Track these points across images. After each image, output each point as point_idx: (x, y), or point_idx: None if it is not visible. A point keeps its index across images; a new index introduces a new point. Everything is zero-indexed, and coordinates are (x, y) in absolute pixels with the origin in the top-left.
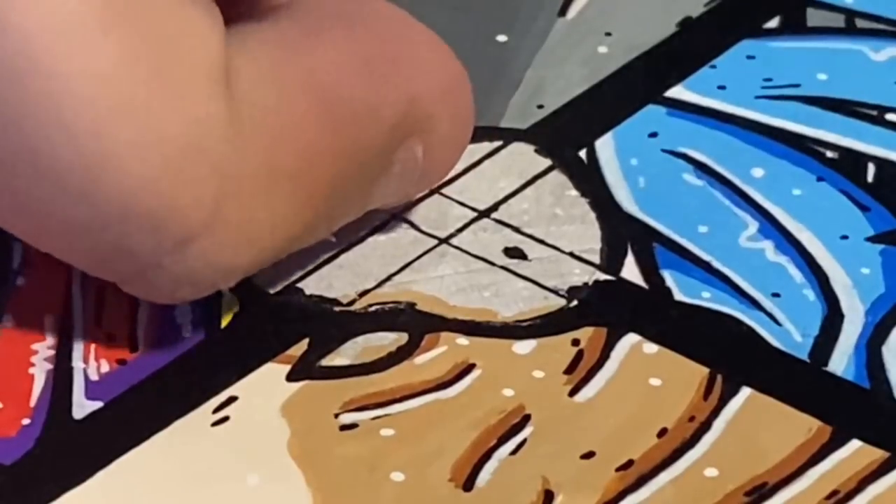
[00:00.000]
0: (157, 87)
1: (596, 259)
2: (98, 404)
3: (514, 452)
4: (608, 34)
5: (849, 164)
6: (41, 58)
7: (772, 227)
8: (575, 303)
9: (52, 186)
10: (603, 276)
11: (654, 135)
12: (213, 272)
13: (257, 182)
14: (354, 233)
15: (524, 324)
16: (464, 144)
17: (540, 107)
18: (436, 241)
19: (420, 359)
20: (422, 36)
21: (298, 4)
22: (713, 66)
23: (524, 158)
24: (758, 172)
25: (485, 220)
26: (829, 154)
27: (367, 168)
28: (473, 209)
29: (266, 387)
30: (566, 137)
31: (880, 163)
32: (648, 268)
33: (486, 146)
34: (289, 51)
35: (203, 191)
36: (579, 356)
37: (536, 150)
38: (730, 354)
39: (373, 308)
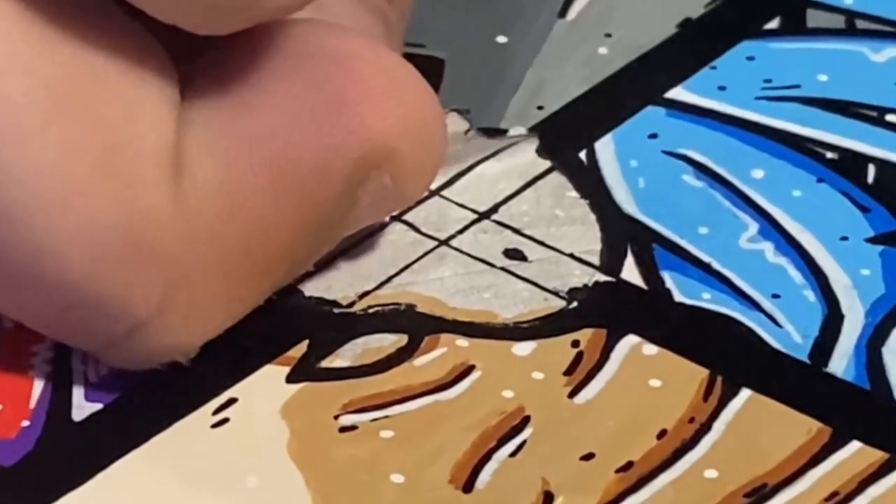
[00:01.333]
0: (100, 178)
1: (596, 260)
2: (98, 406)
3: (513, 454)
4: (608, 35)
5: (849, 166)
6: None
7: (772, 228)
8: (575, 304)
9: (4, 274)
10: (603, 278)
11: (653, 136)
12: (168, 351)
13: (207, 266)
14: (354, 235)
15: (524, 325)
16: (435, 168)
17: (540, 108)
18: (435, 243)
19: (420, 360)
20: (373, 68)
21: (242, 46)
22: (713, 67)
23: (524, 160)
24: (758, 173)
25: (485, 222)
26: (830, 155)
27: (328, 218)
28: (473, 211)
29: (266, 388)
30: (566, 139)
31: (880, 164)
32: (648, 269)
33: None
34: (235, 115)
35: (150, 280)
36: (579, 357)
37: (536, 152)
38: (730, 356)
39: (372, 310)
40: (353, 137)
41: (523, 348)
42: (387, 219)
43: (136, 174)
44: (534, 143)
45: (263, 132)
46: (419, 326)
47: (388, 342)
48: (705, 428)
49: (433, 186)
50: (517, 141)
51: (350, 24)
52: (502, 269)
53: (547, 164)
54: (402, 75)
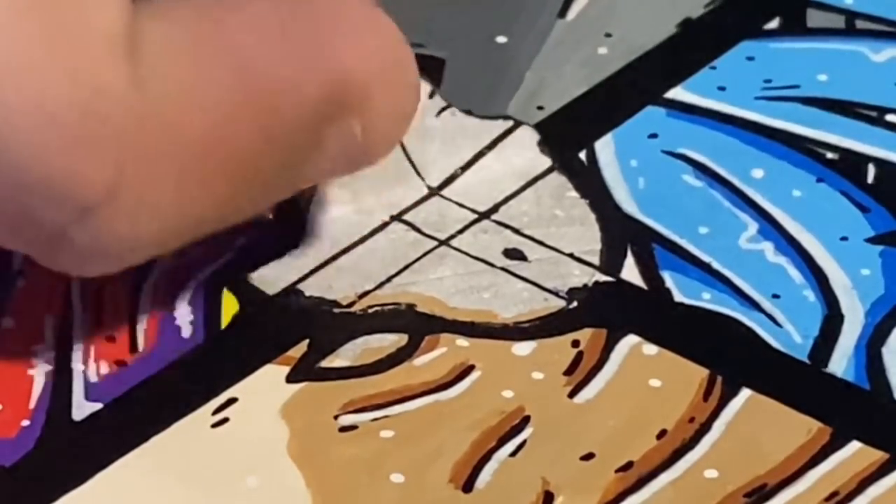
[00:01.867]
0: (49, 48)
1: (596, 260)
2: (97, 406)
3: (513, 454)
4: (608, 35)
5: (849, 165)
6: None
7: (772, 228)
8: (575, 304)
9: None
10: (603, 278)
11: (653, 136)
12: (118, 243)
13: (162, 153)
14: (353, 235)
15: (524, 325)
16: (407, 120)
17: (540, 108)
18: (435, 243)
19: (420, 360)
20: (356, 9)
21: None
22: (713, 67)
23: (524, 160)
24: (758, 173)
25: (485, 222)
26: (829, 155)
27: (291, 146)
28: (473, 211)
29: (266, 388)
30: (566, 139)
31: (880, 164)
32: (648, 269)
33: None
34: (205, 20)
35: (103, 158)
36: (579, 357)
37: (538, 145)
38: (730, 355)
39: (372, 309)
40: (329, 67)
41: (523, 348)
42: (387, 218)
43: (88, 49)
44: (529, 134)
45: (236, 41)
46: (419, 326)
47: (388, 342)
48: (705, 428)
49: (433, 184)
50: (510, 129)
51: None
52: (502, 269)
53: (547, 163)
54: (385, 23)
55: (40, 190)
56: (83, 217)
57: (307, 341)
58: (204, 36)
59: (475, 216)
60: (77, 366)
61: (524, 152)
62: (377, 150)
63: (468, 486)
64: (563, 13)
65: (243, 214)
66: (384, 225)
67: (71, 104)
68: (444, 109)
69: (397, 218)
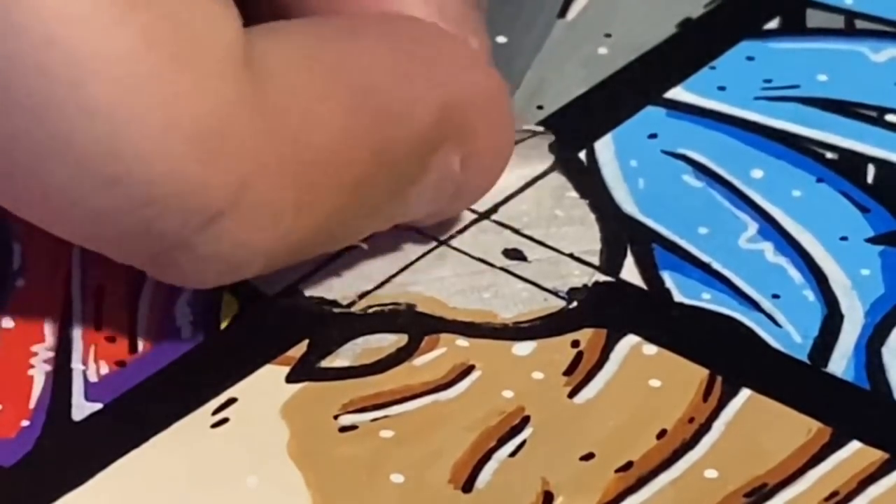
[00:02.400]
0: (177, 67)
1: (595, 260)
2: (97, 406)
3: (513, 454)
4: (608, 35)
5: (848, 166)
6: (63, 44)
7: (771, 228)
8: (574, 304)
9: (79, 173)
10: (602, 278)
11: (653, 136)
12: (239, 252)
13: (283, 164)
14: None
15: (524, 325)
16: (505, 159)
17: (540, 108)
18: (435, 243)
19: (420, 360)
20: (464, 49)
21: (331, 14)
22: (713, 68)
23: (524, 160)
24: (757, 173)
25: (484, 222)
26: (829, 155)
27: (398, 168)
28: (473, 211)
29: (266, 388)
30: (566, 139)
31: (880, 164)
32: (648, 269)
33: None
34: (321, 40)
35: (229, 170)
36: (579, 357)
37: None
38: (729, 356)
39: (372, 310)
40: (437, 93)
41: (523, 348)
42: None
43: (212, 66)
44: (547, 140)
45: (352, 59)
46: (419, 326)
47: (388, 342)
48: (705, 428)
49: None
50: (527, 136)
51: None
52: (502, 269)
53: (547, 164)
54: (486, 63)
55: (168, 201)
56: (208, 225)
57: (307, 341)
58: (320, 53)
59: (475, 216)
60: (77, 366)
61: (529, 151)
62: (474, 188)
63: (468, 487)
64: (563, 13)
65: (347, 240)
66: None
67: (200, 119)
68: None
69: None
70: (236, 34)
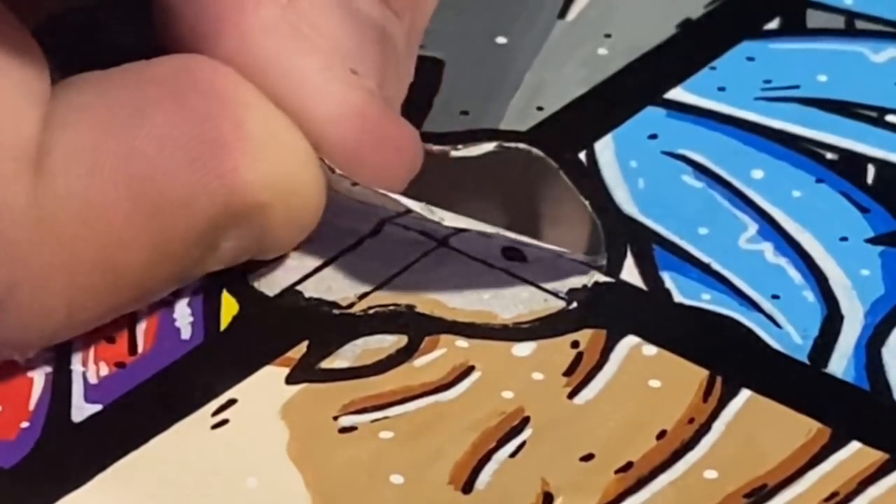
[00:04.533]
0: None
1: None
2: (97, 407)
3: (513, 454)
4: (608, 36)
5: (848, 166)
6: None
7: (771, 228)
8: (574, 305)
9: None
10: (602, 278)
11: (653, 136)
12: (15, 339)
13: (54, 270)
14: (353, 236)
15: (524, 326)
16: (306, 230)
17: (539, 109)
18: (435, 243)
19: (419, 361)
20: (255, 118)
21: (139, 69)
22: (713, 68)
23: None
24: (757, 174)
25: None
26: (829, 155)
27: (181, 260)
28: None
29: (265, 389)
30: (566, 139)
31: (880, 164)
32: (648, 270)
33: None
34: (110, 132)
35: None
36: (579, 358)
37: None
38: (729, 356)
39: (372, 310)
40: (223, 182)
41: (523, 349)
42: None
43: (3, 167)
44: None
45: (135, 153)
46: (419, 327)
47: (388, 343)
48: (705, 428)
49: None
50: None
51: (333, 41)
52: (502, 269)
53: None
54: (283, 130)
55: None
56: None
57: (307, 342)
58: (107, 149)
59: None
60: (76, 367)
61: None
62: (277, 248)
63: (468, 487)
64: (563, 14)
65: (130, 310)
66: (382, 225)
67: None
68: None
69: (397, 219)
70: (33, 129)
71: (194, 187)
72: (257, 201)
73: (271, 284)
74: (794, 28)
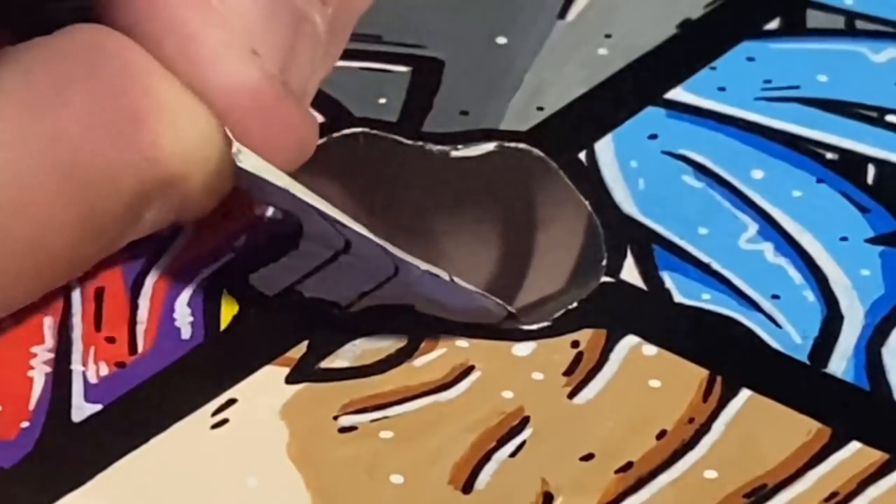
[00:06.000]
0: None
1: None
2: (97, 407)
3: (513, 454)
4: (608, 36)
5: (849, 166)
6: None
7: (771, 228)
8: (574, 304)
9: None
10: (603, 278)
11: (653, 136)
12: None
13: None
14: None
15: (523, 325)
16: (221, 194)
17: (539, 109)
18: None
19: (419, 361)
20: (170, 84)
21: (51, 46)
22: (713, 68)
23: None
24: (757, 174)
25: None
26: (829, 155)
27: (110, 231)
28: None
29: (265, 389)
30: (566, 139)
31: (880, 164)
32: (648, 269)
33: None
34: (34, 113)
35: None
36: (579, 358)
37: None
38: (729, 356)
39: (372, 310)
40: (145, 155)
41: (523, 349)
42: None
43: None
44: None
45: (63, 134)
46: (419, 327)
47: (388, 343)
48: (705, 428)
49: None
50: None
51: (240, 18)
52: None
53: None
54: (193, 98)
55: None
56: None
57: (307, 342)
58: (31, 132)
59: None
60: (76, 367)
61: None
62: (195, 213)
63: (468, 487)
64: (563, 14)
65: (59, 285)
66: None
67: None
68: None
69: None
70: None
71: (119, 163)
72: (178, 171)
73: (271, 284)
74: (794, 28)
